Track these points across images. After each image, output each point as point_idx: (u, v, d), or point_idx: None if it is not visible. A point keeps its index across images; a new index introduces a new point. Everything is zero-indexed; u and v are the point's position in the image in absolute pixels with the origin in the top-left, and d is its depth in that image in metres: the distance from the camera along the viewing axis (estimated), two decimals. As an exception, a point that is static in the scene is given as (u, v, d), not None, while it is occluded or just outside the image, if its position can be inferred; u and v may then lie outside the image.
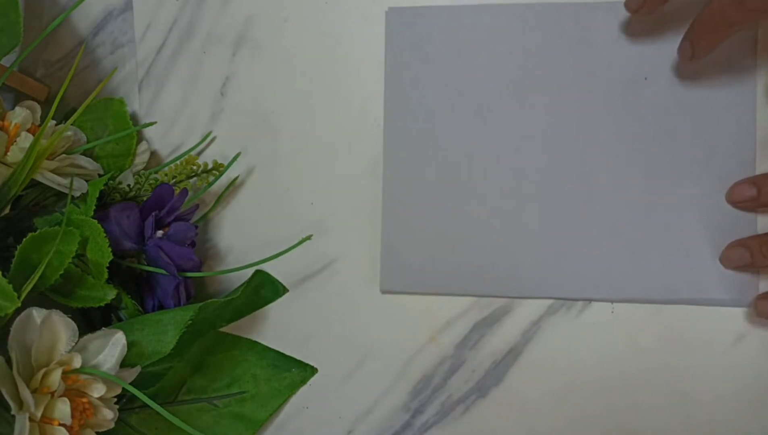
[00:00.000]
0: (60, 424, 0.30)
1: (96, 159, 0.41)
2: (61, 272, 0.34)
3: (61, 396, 0.30)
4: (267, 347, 0.42)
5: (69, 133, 0.39)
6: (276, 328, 0.42)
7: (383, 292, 0.41)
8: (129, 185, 0.39)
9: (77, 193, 0.37)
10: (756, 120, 0.37)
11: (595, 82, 0.39)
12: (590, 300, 0.39)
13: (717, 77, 0.38)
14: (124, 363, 0.33)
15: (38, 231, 0.33)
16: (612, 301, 0.39)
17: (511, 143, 0.40)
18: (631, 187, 0.38)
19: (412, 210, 0.40)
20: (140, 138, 0.44)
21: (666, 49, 0.38)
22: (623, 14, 0.38)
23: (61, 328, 0.31)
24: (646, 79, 0.38)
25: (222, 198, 0.43)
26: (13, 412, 0.29)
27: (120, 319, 0.39)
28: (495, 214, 0.39)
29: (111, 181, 0.39)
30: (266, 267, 0.39)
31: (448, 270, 0.40)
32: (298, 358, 0.42)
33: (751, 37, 0.38)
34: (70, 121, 0.36)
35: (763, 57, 0.38)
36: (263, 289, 0.41)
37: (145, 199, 0.38)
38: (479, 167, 0.40)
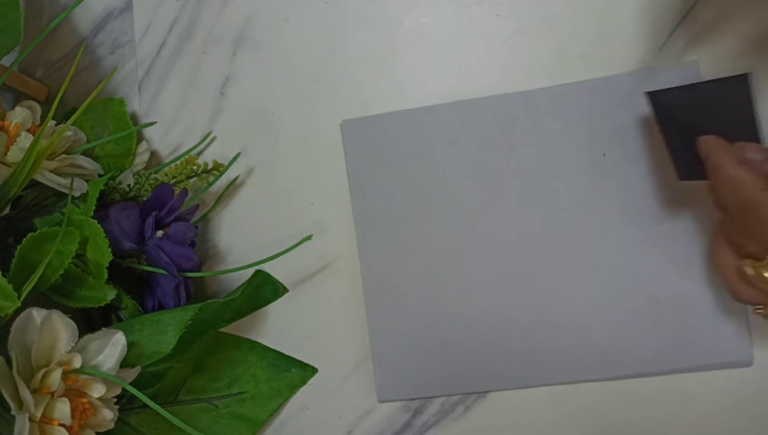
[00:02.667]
0: (60, 425, 0.30)
1: (96, 159, 0.41)
2: (61, 272, 0.34)
3: (61, 396, 0.30)
4: (267, 347, 0.42)
5: (69, 133, 0.39)
6: (276, 328, 0.42)
7: (381, 401, 0.41)
8: (129, 185, 0.39)
9: (77, 193, 0.37)
10: None
11: (557, 164, 0.39)
12: (586, 381, 0.38)
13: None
14: (124, 363, 0.33)
15: (38, 231, 0.33)
16: (607, 380, 0.38)
17: (483, 234, 0.40)
18: (608, 263, 0.38)
19: (398, 318, 0.40)
20: (140, 138, 0.44)
21: (618, 124, 0.38)
22: (568, 96, 0.39)
23: (61, 328, 0.31)
24: (604, 155, 0.38)
25: (222, 198, 0.43)
26: (13, 412, 0.29)
27: (120, 319, 0.39)
28: (480, 307, 0.39)
29: (111, 181, 0.39)
30: (266, 267, 0.39)
31: (443, 372, 0.40)
32: (298, 358, 0.42)
33: None
34: (70, 121, 0.36)
35: None
36: (263, 289, 0.41)
37: (145, 199, 0.38)
38: (456, 262, 0.40)
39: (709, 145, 0.32)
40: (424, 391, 0.40)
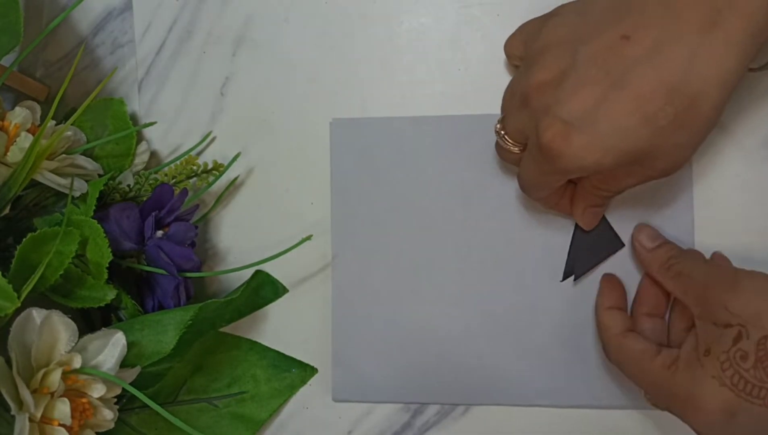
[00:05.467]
0: (60, 425, 0.30)
1: (96, 159, 0.41)
2: (61, 272, 0.34)
3: (60, 396, 0.30)
4: (267, 347, 0.42)
5: (69, 133, 0.39)
6: (276, 328, 0.42)
7: (335, 401, 0.41)
8: (129, 185, 0.39)
9: (77, 193, 0.37)
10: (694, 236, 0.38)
11: None
12: (537, 406, 0.39)
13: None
14: (124, 363, 0.33)
15: (38, 231, 0.33)
16: (559, 407, 0.39)
17: (457, 250, 0.40)
18: (576, 296, 0.38)
19: (362, 321, 0.40)
20: (140, 138, 0.44)
21: None
22: None
23: (61, 328, 0.31)
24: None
25: (222, 198, 0.43)
26: (13, 413, 0.29)
27: (120, 319, 0.39)
28: (444, 321, 0.40)
29: (111, 181, 0.39)
30: (266, 267, 0.39)
31: (399, 379, 0.40)
32: (298, 358, 0.42)
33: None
34: (70, 121, 0.36)
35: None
36: (263, 289, 0.41)
37: (145, 199, 0.38)
38: (426, 275, 0.40)
39: (602, 280, 0.38)
40: (378, 395, 0.40)
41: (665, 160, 0.30)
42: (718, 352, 0.29)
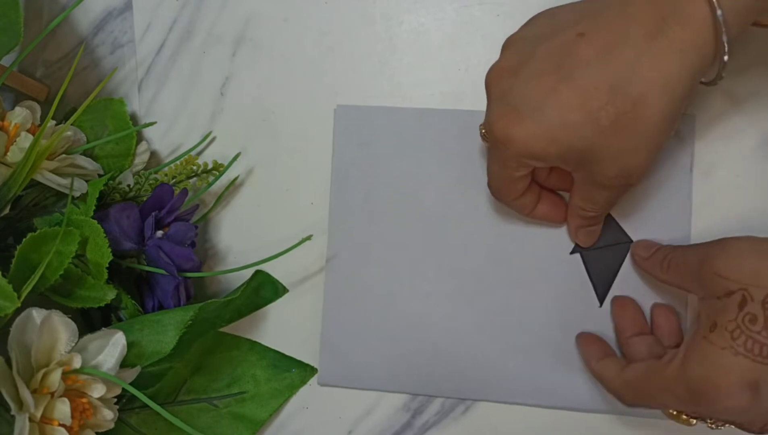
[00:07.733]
0: (60, 425, 0.30)
1: (96, 159, 0.41)
2: (61, 272, 0.34)
3: (60, 396, 0.30)
4: (267, 347, 0.42)
5: (69, 133, 0.39)
6: (276, 328, 0.42)
7: (321, 384, 0.41)
8: (129, 185, 0.39)
9: (77, 193, 0.37)
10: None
11: None
12: (526, 405, 0.39)
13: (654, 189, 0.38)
14: (124, 363, 0.33)
15: (38, 231, 0.33)
16: (546, 408, 0.39)
17: (453, 245, 0.40)
18: (572, 289, 0.38)
19: (353, 307, 0.40)
20: (140, 138, 0.44)
21: None
22: None
23: (61, 328, 0.31)
24: None
25: (222, 198, 0.43)
26: (13, 412, 0.29)
27: (120, 319, 0.39)
28: (435, 314, 0.40)
29: (111, 181, 0.39)
30: (266, 267, 0.39)
31: (386, 368, 0.40)
32: (298, 358, 0.42)
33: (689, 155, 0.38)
34: (70, 121, 0.36)
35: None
36: (263, 289, 0.41)
37: (145, 199, 0.38)
38: (420, 267, 0.40)
39: (579, 340, 0.38)
40: (365, 383, 0.40)
41: (615, 165, 0.30)
42: (725, 322, 0.28)
